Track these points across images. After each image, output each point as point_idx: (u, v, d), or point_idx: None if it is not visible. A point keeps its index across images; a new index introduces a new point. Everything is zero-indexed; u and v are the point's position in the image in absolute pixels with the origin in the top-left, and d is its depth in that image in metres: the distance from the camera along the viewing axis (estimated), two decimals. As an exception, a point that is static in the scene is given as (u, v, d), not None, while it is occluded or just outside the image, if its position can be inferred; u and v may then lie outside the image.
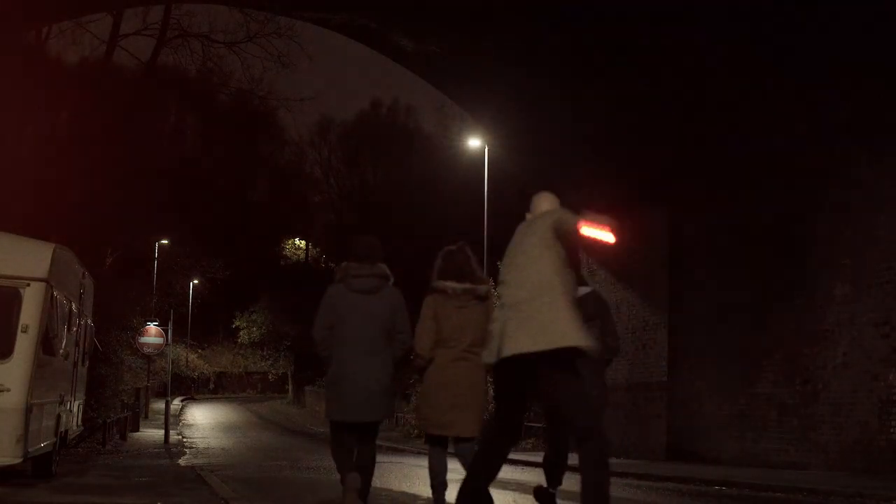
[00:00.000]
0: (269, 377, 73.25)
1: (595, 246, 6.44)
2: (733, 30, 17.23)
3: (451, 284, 7.65)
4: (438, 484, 7.76)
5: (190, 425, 38.34)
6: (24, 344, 11.41)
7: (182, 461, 18.94)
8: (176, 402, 50.06)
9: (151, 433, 30.23)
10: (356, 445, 7.64)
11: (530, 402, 6.50)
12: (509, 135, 26.64)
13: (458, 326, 7.50)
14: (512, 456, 21.45)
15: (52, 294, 12.04)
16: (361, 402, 7.42)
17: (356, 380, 7.40)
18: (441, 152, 64.05)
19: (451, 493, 6.89)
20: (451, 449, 7.73)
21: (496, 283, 9.83)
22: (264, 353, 72.74)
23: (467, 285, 7.63)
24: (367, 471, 7.62)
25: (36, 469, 12.94)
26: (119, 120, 29.56)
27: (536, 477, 16.03)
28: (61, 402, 13.58)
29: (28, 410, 11.28)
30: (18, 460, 11.23)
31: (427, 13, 21.93)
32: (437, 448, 7.81)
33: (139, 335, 29.05)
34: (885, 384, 14.88)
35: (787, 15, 16.11)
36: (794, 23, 16.15)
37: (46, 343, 11.98)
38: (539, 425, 27.81)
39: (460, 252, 7.79)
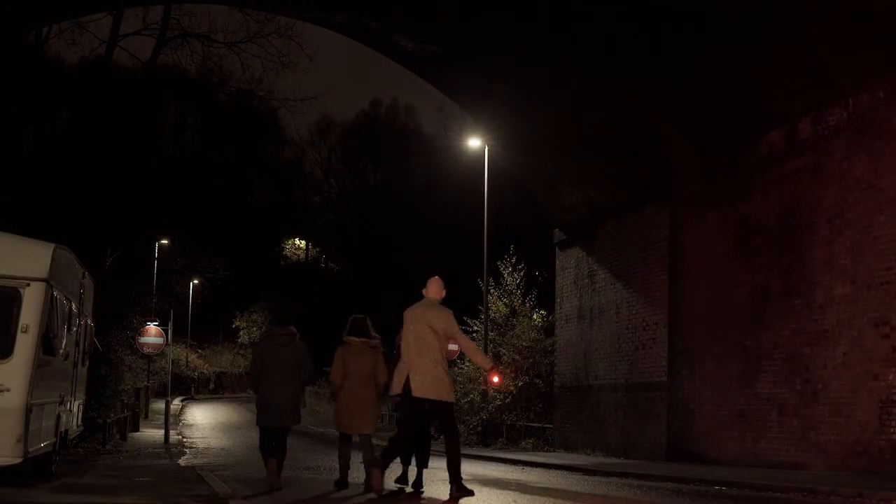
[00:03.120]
0: (270, 377, 73.24)
1: None
2: (732, 28, 17.24)
3: (353, 339, 11.58)
4: (344, 464, 11.86)
5: (190, 425, 38.31)
6: (24, 344, 11.39)
7: (182, 461, 18.93)
8: (176, 402, 50.00)
9: (151, 433, 30.20)
10: (276, 442, 11.67)
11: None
12: (509, 135, 26.64)
13: (358, 365, 11.45)
14: (511, 456, 21.51)
15: (52, 294, 12.03)
16: (278, 415, 11.55)
17: (275, 400, 11.48)
18: (441, 152, 64.04)
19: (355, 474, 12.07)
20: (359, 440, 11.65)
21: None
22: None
23: (364, 339, 11.56)
24: (282, 456, 11.80)
25: (36, 469, 12.93)
26: (119, 120, 29.53)
27: (537, 477, 16.06)
28: (61, 402, 13.57)
29: (28, 410, 11.27)
30: (18, 460, 11.22)
31: (427, 13, 21.94)
32: (345, 441, 11.87)
33: (139, 335, 29.00)
34: (885, 384, 14.88)
35: (787, 14, 16.12)
36: (793, 22, 16.16)
37: (46, 343, 11.97)
38: (538, 425, 27.85)
39: (362, 319, 11.73)
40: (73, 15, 24.02)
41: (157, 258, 39.23)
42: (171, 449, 23.47)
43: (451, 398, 10.69)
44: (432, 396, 10.50)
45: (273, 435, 11.68)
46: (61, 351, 13.10)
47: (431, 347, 10.52)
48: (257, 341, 12.28)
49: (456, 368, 32.05)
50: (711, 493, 13.14)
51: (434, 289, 10.97)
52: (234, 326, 73.36)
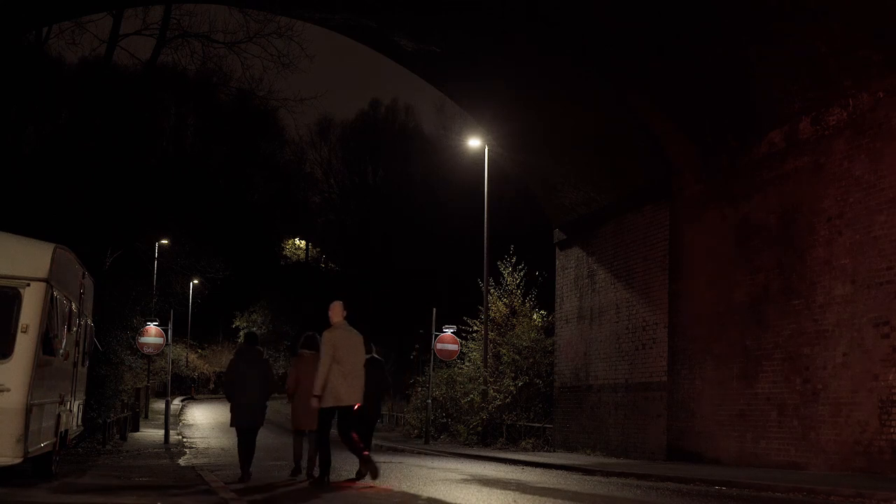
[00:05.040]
0: (269, 377, 73.24)
1: None
2: (732, 28, 17.24)
3: (305, 352, 14.16)
4: (297, 455, 14.48)
5: (190, 425, 38.31)
6: (24, 344, 11.40)
7: (182, 461, 18.94)
8: (176, 402, 49.99)
9: (151, 433, 30.22)
10: (248, 439, 14.04)
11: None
12: (509, 135, 26.64)
13: (309, 374, 13.41)
14: (511, 456, 21.68)
15: (52, 294, 12.04)
16: (249, 416, 13.92)
17: (247, 405, 13.86)
18: (441, 152, 64.02)
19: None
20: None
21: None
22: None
23: (314, 352, 13.71)
24: (253, 451, 14.17)
25: (36, 469, 12.94)
26: (119, 120, 29.54)
27: (537, 477, 16.05)
28: (61, 402, 13.58)
29: (28, 410, 11.28)
30: (18, 460, 11.23)
31: (427, 13, 21.94)
32: (299, 436, 14.50)
33: (139, 335, 29.03)
34: (885, 384, 14.88)
35: (787, 14, 16.12)
36: (794, 22, 16.16)
37: (46, 343, 11.98)
38: (538, 425, 27.85)
39: (312, 335, 14.24)
40: (73, 15, 24.02)
41: (157, 258, 39.22)
42: (171, 449, 23.48)
43: None
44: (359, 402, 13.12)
45: (247, 433, 14.10)
46: (61, 351, 13.10)
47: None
48: (232, 358, 15.09)
49: (456, 368, 32.11)
50: (711, 493, 13.14)
51: (342, 312, 13.27)
52: (234, 326, 73.34)
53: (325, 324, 13.12)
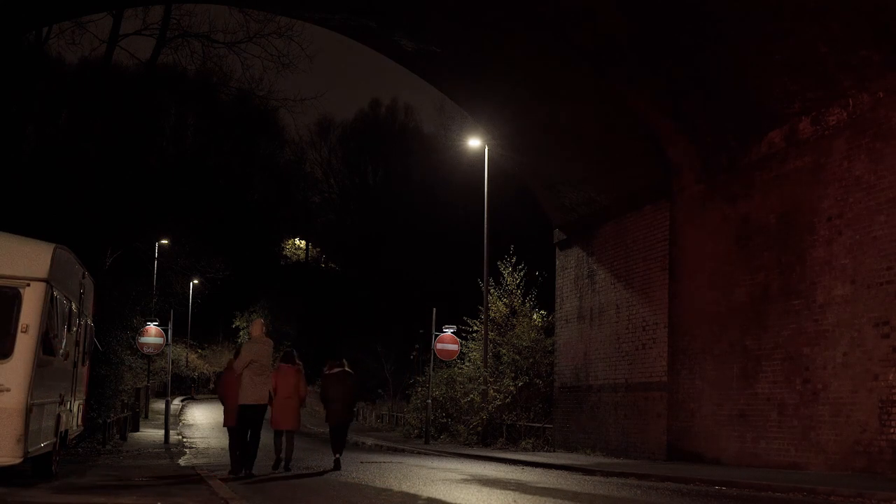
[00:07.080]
0: (269, 377, 73.19)
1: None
2: (732, 29, 17.24)
3: (283, 364, 16.54)
4: (277, 450, 16.34)
5: (190, 425, 38.31)
6: (24, 344, 11.40)
7: (182, 461, 18.94)
8: (176, 402, 49.99)
9: (151, 433, 30.23)
10: (240, 438, 15.15)
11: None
12: (509, 135, 26.64)
13: (285, 383, 16.15)
14: (511, 456, 21.80)
15: (52, 294, 12.04)
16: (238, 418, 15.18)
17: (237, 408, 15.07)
18: (441, 152, 64.05)
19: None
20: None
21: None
22: None
23: (289, 365, 16.37)
24: (253, 451, 15.17)
25: (36, 469, 12.94)
26: (119, 120, 29.54)
27: (537, 477, 16.06)
28: (61, 402, 13.57)
29: (28, 410, 11.27)
30: (18, 460, 11.22)
31: (427, 13, 21.94)
32: (278, 435, 16.39)
33: (139, 335, 29.04)
34: (885, 384, 14.88)
35: (787, 14, 16.13)
36: (794, 22, 16.16)
37: (46, 343, 11.97)
38: (538, 425, 27.84)
39: (290, 351, 16.81)
40: (73, 15, 24.02)
41: (157, 258, 39.23)
42: (171, 449, 23.50)
43: None
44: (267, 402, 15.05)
45: (238, 433, 15.33)
46: (61, 351, 13.10)
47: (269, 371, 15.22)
48: (226, 366, 16.68)
49: (456, 368, 32.12)
50: (711, 493, 13.14)
51: (261, 329, 15.18)
52: (234, 326, 73.31)
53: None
